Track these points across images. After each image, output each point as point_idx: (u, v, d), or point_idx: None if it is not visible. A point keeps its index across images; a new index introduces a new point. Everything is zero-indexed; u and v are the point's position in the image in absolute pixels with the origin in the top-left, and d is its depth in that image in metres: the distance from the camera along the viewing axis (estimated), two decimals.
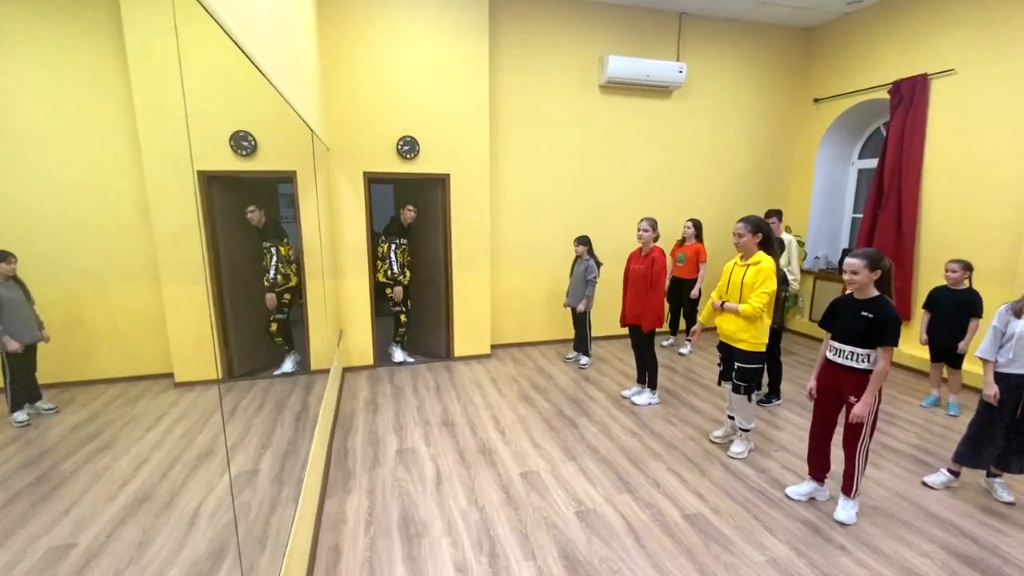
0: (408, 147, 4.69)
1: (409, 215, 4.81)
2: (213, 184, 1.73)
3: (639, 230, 3.95)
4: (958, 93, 4.65)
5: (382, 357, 5.09)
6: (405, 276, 4.88)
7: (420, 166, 4.79)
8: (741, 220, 3.13)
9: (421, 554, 2.40)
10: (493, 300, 5.37)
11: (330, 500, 2.83)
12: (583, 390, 4.48)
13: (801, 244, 5.81)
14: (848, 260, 2.52)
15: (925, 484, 3.02)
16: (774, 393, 4.19)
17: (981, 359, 2.83)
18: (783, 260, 4.73)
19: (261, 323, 2.92)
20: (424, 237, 5.01)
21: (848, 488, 2.67)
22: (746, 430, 3.33)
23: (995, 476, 2.91)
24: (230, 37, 1.54)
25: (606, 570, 2.31)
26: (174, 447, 1.50)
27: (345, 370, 4.89)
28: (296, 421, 2.75)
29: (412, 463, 3.22)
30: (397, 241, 4.83)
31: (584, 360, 5.12)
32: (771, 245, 3.14)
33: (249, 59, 1.75)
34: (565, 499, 2.85)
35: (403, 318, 5.00)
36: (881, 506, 2.81)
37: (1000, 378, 2.75)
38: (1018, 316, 2.72)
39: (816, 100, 6.08)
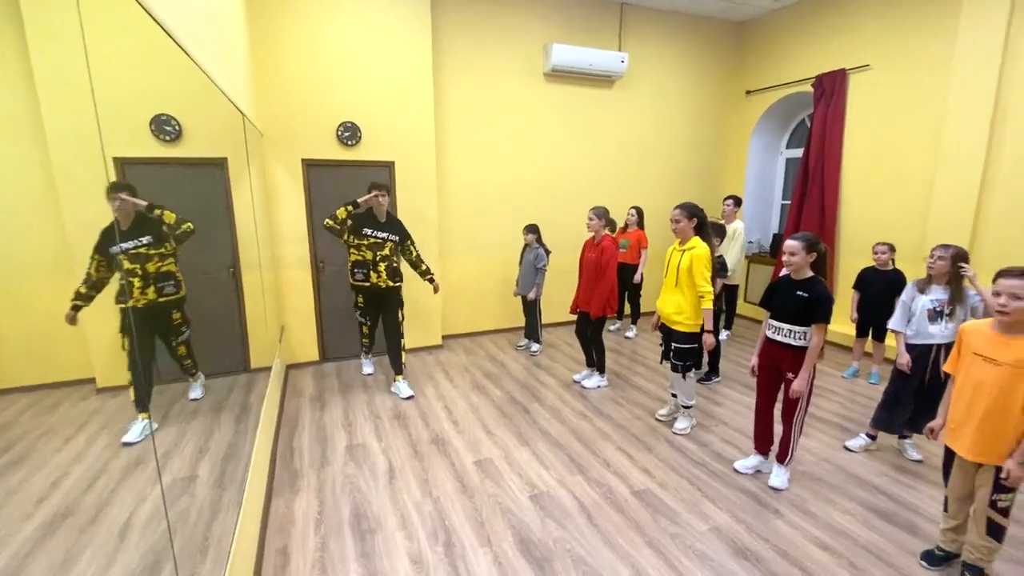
0: (349, 133, 4.52)
1: (379, 201, 3.82)
2: (131, 172, 1.60)
3: (588, 220, 4.03)
4: (872, 87, 5.02)
5: (330, 351, 4.92)
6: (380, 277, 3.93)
7: (363, 153, 4.64)
8: (677, 206, 3.26)
9: (375, 550, 2.37)
10: (443, 290, 5.31)
11: (277, 502, 2.72)
12: (535, 376, 4.54)
13: None
14: (787, 243, 2.68)
15: (847, 448, 3.29)
16: (713, 371, 4.42)
17: (893, 331, 3.11)
18: (725, 246, 4.97)
19: (193, 318, 2.68)
20: None
21: (783, 456, 2.87)
22: (688, 407, 3.50)
23: (906, 438, 3.22)
24: (144, 9, 1.41)
25: (560, 550, 2.37)
26: (98, 457, 1.38)
27: (289, 367, 4.70)
28: (236, 422, 2.61)
29: (363, 459, 3.15)
30: (379, 236, 3.89)
31: (535, 347, 5.18)
32: (706, 230, 3.29)
33: (167, 34, 1.61)
34: (519, 484, 2.88)
35: (365, 328, 4.32)
36: (810, 471, 3.04)
37: (909, 348, 3.03)
38: (922, 292, 3.00)
39: (748, 92, 6.38)
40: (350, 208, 3.80)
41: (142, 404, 1.60)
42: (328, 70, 4.38)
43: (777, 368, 2.82)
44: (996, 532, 2.06)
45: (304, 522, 2.56)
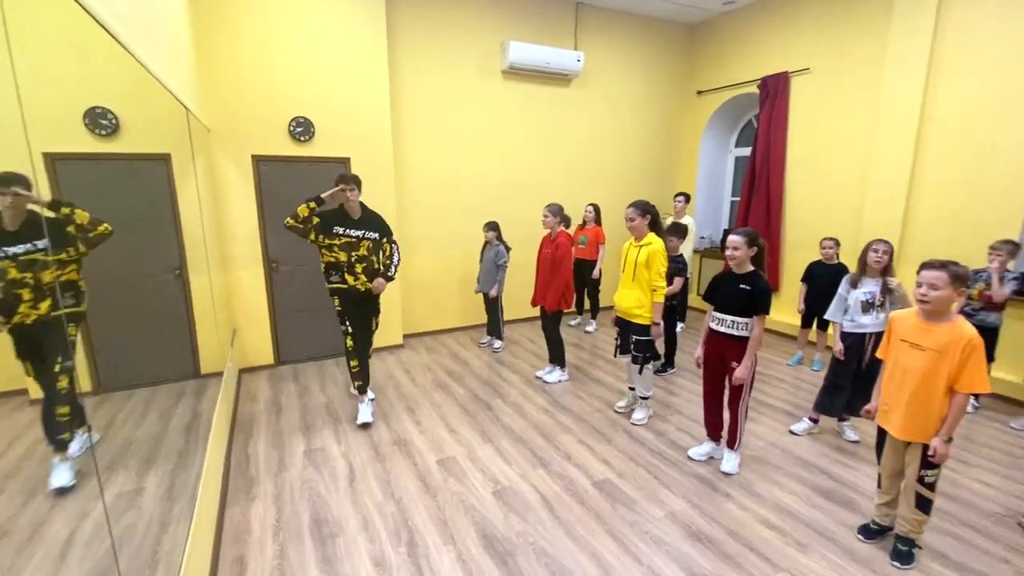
0: (302, 128, 4.39)
1: (347, 195, 3.35)
2: (64, 168, 1.50)
3: (543, 216, 4.09)
4: (812, 89, 5.30)
5: (285, 354, 4.78)
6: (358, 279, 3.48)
7: (316, 149, 4.52)
8: (631, 205, 3.36)
9: (336, 554, 2.33)
10: (404, 288, 5.25)
11: (231, 510, 2.64)
12: (497, 373, 4.56)
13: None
14: (731, 237, 2.80)
15: (792, 432, 3.48)
16: (669, 363, 4.57)
17: (830, 321, 3.32)
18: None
19: (136, 324, 2.51)
20: None
21: (732, 442, 3.01)
22: (645, 398, 3.61)
23: (844, 420, 3.44)
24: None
25: (523, 543, 2.40)
26: (34, 473, 1.31)
27: (242, 371, 4.53)
28: (186, 432, 2.51)
29: (322, 463, 3.09)
30: (352, 234, 3.41)
31: (498, 344, 5.20)
32: (659, 225, 3.40)
33: (97, 21, 1.53)
34: (482, 481, 2.90)
35: (350, 341, 3.54)
36: (758, 455, 3.20)
37: (844, 337, 3.24)
38: (854, 286, 3.21)
39: (699, 92, 6.60)
40: (313, 204, 3.30)
41: (77, 418, 1.47)
42: (279, 64, 4.24)
43: (722, 358, 2.94)
44: (924, 505, 2.23)
45: (261, 530, 2.49)
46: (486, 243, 4.98)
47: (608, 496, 2.78)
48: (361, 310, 3.62)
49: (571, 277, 4.10)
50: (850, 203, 5.03)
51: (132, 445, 1.92)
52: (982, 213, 4.11)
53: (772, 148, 5.63)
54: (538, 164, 5.94)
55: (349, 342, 3.56)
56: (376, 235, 3.54)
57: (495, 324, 5.19)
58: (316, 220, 3.36)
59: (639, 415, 3.62)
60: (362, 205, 3.49)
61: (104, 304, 1.79)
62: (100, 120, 1.89)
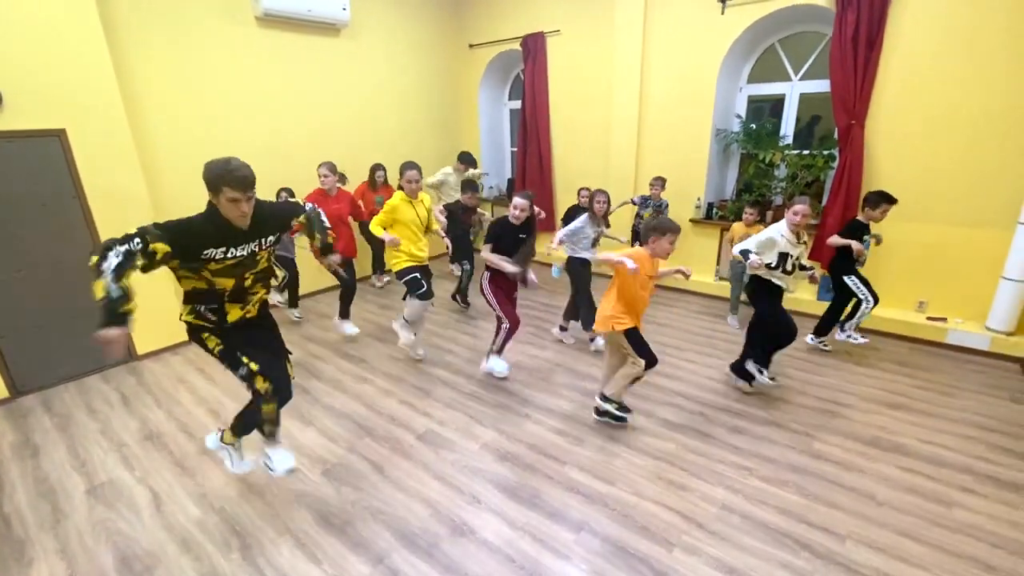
0: None
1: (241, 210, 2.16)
2: None
3: (320, 176, 4.29)
4: (564, 49, 5.98)
5: (23, 382, 3.85)
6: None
7: (11, 121, 3.50)
8: (413, 168, 3.80)
9: None
10: (174, 276, 4.58)
11: None
12: (307, 351, 4.45)
13: (485, 175, 6.79)
14: (517, 200, 3.41)
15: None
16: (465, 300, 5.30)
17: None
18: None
19: None
20: (45, 220, 3.79)
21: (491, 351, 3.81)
22: (407, 321, 4.08)
23: (592, 340, 4.35)
24: None
25: (359, 510, 2.61)
26: None
27: None
28: None
29: (115, 497, 2.75)
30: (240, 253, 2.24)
31: (296, 315, 5.06)
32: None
33: None
34: (309, 465, 2.97)
35: (268, 409, 2.51)
36: (545, 375, 3.89)
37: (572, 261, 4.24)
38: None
39: (471, 46, 6.84)
40: (134, 262, 2.05)
41: None
42: None
43: (511, 286, 3.70)
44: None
45: None
46: None
47: (431, 444, 3.13)
48: (261, 334, 2.50)
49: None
50: (600, 152, 5.99)
51: None
52: (680, 153, 5.34)
53: (538, 103, 6.27)
54: (314, 122, 5.55)
55: (261, 384, 2.33)
56: (279, 233, 2.42)
57: (294, 297, 5.04)
58: (162, 252, 2.06)
59: (405, 336, 4.09)
60: (259, 205, 2.25)
61: None
62: None
